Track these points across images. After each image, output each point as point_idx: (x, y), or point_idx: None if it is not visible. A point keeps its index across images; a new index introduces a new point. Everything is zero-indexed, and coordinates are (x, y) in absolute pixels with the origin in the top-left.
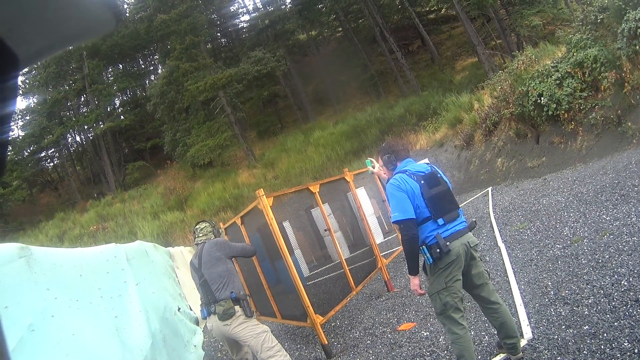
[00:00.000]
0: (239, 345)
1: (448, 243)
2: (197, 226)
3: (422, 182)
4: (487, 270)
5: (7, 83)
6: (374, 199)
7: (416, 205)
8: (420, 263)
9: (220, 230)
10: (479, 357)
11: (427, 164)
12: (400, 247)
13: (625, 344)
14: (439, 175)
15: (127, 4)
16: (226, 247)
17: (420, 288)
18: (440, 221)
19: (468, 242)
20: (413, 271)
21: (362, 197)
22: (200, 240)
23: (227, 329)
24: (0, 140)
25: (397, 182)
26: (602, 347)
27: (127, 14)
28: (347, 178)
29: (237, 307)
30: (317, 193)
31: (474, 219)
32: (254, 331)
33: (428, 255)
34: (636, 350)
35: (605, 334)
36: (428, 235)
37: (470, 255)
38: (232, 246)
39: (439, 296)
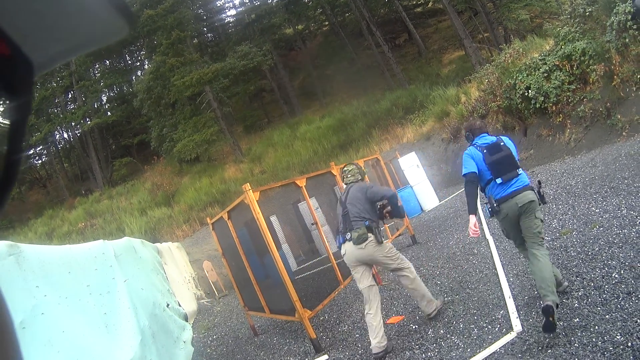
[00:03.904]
0: (367, 273)
1: (496, 205)
2: (345, 168)
3: (485, 151)
4: (540, 223)
5: (22, 88)
6: None
7: (480, 169)
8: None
9: (364, 171)
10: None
11: (494, 135)
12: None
13: (617, 337)
14: (502, 143)
15: None
16: (368, 192)
17: (475, 226)
18: (499, 180)
19: (517, 202)
20: (471, 210)
21: None
22: (349, 180)
23: (361, 252)
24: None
25: (469, 152)
26: (594, 339)
27: None
28: (334, 172)
29: (369, 234)
30: (303, 187)
31: (538, 179)
32: (383, 252)
33: (487, 210)
34: (629, 344)
35: (596, 327)
36: (488, 195)
37: (522, 211)
38: (373, 192)
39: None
